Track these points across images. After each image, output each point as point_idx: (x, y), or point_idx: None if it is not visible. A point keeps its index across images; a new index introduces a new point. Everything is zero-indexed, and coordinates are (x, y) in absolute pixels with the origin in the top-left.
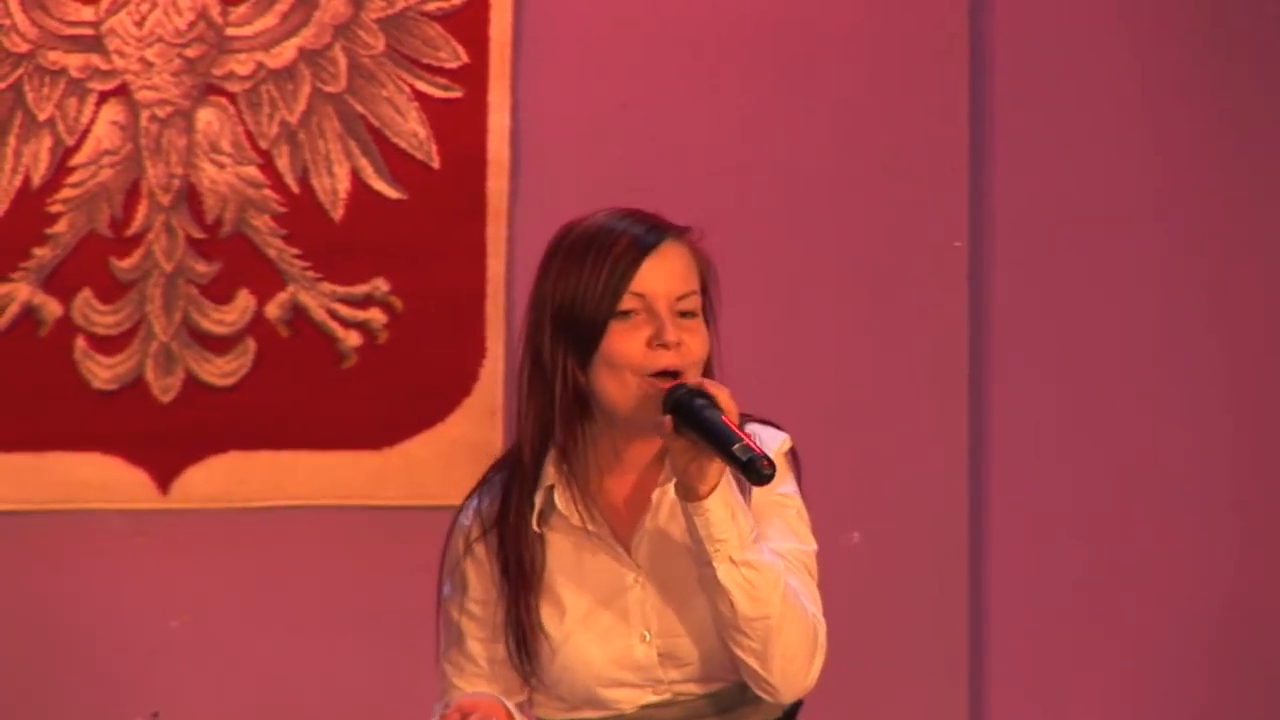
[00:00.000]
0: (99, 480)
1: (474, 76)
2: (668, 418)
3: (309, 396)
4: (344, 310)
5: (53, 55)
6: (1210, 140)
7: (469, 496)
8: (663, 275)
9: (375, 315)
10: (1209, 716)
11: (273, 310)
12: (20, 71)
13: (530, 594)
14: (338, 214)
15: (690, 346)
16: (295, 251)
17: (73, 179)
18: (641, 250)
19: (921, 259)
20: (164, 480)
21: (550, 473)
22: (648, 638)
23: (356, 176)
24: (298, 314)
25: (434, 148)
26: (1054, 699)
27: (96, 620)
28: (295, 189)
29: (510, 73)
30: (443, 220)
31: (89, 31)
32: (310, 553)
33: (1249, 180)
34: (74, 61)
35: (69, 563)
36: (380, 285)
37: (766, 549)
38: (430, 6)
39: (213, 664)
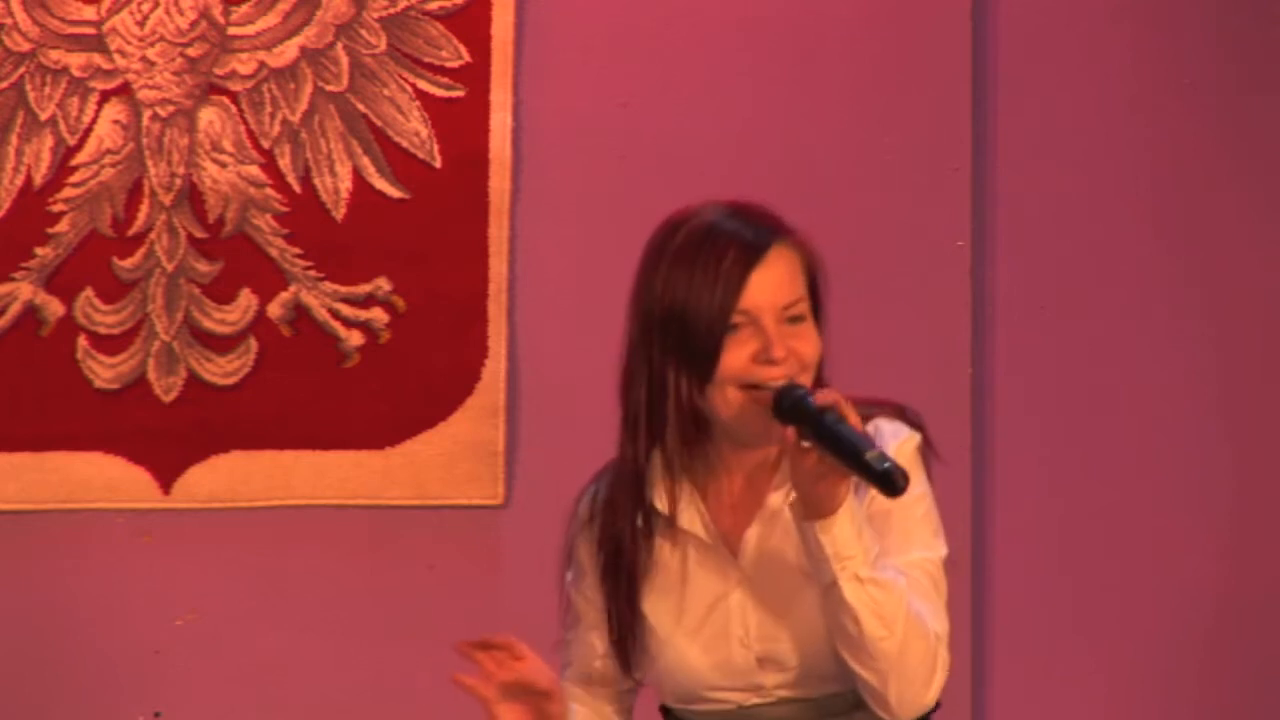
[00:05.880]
0: (101, 480)
1: (476, 76)
2: (790, 430)
3: (311, 396)
4: (346, 310)
5: (54, 54)
6: (1211, 139)
7: (591, 481)
8: (769, 287)
9: (377, 315)
10: (1210, 717)
11: (275, 310)
12: (22, 71)
13: (627, 589)
14: (340, 213)
15: (799, 352)
16: (297, 251)
17: (74, 178)
18: (748, 263)
19: (924, 258)
20: (166, 480)
21: (658, 470)
22: (746, 641)
23: (358, 176)
24: (300, 313)
25: (436, 147)
26: (1056, 699)
27: (99, 620)
28: (297, 188)
29: (512, 72)
30: (445, 220)
31: (91, 31)
32: (312, 552)
33: (1250, 179)
34: (76, 61)
35: (71, 562)
36: (382, 285)
37: (890, 565)
38: (432, 6)
39: (215, 663)
